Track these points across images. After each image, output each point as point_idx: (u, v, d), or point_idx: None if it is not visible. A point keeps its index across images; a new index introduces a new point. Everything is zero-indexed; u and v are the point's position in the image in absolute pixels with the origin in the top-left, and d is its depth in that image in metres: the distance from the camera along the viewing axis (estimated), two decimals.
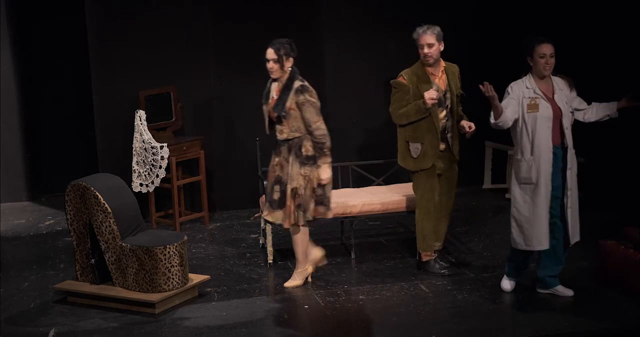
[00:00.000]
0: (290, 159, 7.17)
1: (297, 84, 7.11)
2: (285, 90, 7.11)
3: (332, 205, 7.66)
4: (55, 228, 9.38)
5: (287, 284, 7.44)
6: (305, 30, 9.63)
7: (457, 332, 6.53)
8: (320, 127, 7.12)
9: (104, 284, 7.27)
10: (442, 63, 7.53)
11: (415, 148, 7.52)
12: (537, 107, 6.66)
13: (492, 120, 6.71)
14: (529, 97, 6.69)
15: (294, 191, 7.17)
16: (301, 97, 7.07)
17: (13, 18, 10.17)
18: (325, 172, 7.19)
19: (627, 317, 6.69)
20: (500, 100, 6.71)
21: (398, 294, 7.26)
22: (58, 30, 10.36)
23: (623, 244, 7.15)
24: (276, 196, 7.23)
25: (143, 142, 8.66)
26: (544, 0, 9.64)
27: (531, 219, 6.75)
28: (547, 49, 6.65)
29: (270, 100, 7.21)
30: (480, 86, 6.52)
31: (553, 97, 6.73)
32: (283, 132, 7.17)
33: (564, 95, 6.77)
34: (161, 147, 8.63)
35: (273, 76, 7.15)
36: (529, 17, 9.71)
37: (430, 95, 7.25)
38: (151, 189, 8.79)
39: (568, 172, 6.77)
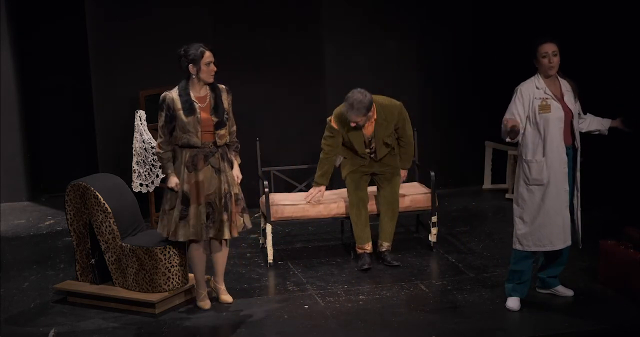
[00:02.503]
0: (225, 166, 6.88)
1: (220, 85, 6.89)
2: (217, 93, 6.85)
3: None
4: (55, 228, 9.38)
5: (229, 300, 7.17)
6: (305, 31, 9.63)
7: (457, 332, 6.53)
8: None
9: (104, 284, 7.27)
10: (374, 113, 7.83)
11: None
12: (549, 108, 6.56)
13: (508, 139, 6.60)
14: (540, 98, 6.58)
15: (236, 197, 6.94)
16: (230, 97, 6.93)
17: (13, 18, 10.17)
18: (239, 171, 7.03)
19: (627, 317, 6.69)
20: (508, 100, 6.68)
21: (398, 294, 7.26)
22: (58, 30, 10.35)
23: (623, 244, 7.15)
24: (224, 216, 6.82)
25: (143, 142, 8.66)
26: (544, 2, 9.65)
27: (542, 220, 6.64)
28: (548, 47, 6.58)
29: (197, 109, 6.76)
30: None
31: (562, 98, 6.69)
32: (224, 137, 6.87)
33: (571, 96, 6.73)
34: None
35: (212, 80, 6.81)
36: (531, 17, 9.71)
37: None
38: (151, 189, 8.79)
39: (577, 174, 6.75)
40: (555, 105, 6.60)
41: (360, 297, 7.23)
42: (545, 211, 6.64)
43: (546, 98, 6.59)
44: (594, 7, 9.14)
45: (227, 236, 6.88)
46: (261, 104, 9.55)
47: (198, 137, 6.78)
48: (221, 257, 7.10)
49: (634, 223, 7.37)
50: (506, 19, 9.88)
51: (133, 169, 8.81)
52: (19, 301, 7.34)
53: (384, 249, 7.94)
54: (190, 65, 6.79)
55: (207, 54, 6.78)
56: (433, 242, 8.25)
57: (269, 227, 7.99)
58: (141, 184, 8.80)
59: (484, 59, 10.02)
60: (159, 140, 6.86)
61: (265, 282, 7.64)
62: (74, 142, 10.57)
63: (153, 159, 8.66)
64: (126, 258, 7.11)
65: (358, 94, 7.63)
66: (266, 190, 8.02)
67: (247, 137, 8.99)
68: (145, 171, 8.74)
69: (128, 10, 9.22)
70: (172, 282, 7.07)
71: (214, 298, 7.20)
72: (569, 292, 7.08)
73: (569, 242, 6.76)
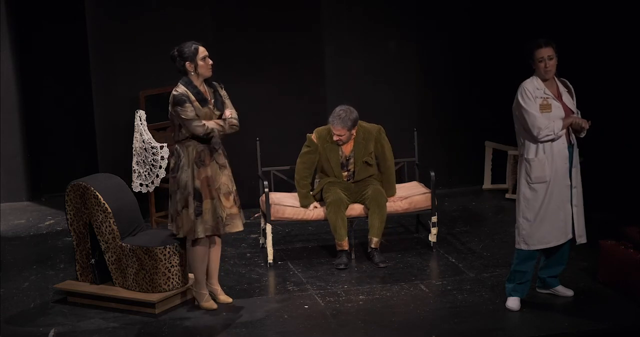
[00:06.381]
0: (225, 162, 6.96)
1: (213, 81, 6.96)
2: (214, 87, 6.94)
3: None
4: (55, 228, 9.38)
5: (229, 300, 7.18)
6: (305, 31, 9.63)
7: (457, 332, 6.53)
8: None
9: (104, 284, 7.27)
10: (354, 132, 8.03)
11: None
12: (550, 107, 6.60)
13: (559, 132, 6.59)
14: (541, 97, 6.62)
15: (236, 192, 7.05)
16: (225, 92, 7.01)
17: (13, 18, 10.17)
18: None
19: (627, 317, 6.69)
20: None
21: (398, 294, 7.26)
22: (58, 30, 10.35)
23: (623, 244, 7.16)
24: (234, 210, 6.96)
25: (143, 142, 8.65)
26: (543, 2, 9.65)
27: (546, 216, 6.65)
28: (544, 52, 6.61)
29: (208, 102, 6.87)
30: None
31: (561, 97, 6.71)
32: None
33: (568, 96, 6.76)
34: (161, 147, 8.61)
35: (211, 73, 6.87)
36: (531, 16, 9.72)
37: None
38: (151, 189, 8.77)
39: (573, 170, 6.76)
40: (556, 105, 6.64)
41: (360, 297, 7.23)
42: (547, 207, 6.66)
43: (547, 98, 6.63)
44: (593, 5, 9.13)
45: (240, 228, 6.99)
46: (261, 104, 9.54)
47: (210, 131, 6.83)
48: (216, 255, 7.12)
49: (634, 223, 7.38)
50: (506, 18, 9.88)
51: (133, 169, 8.81)
52: (19, 301, 7.34)
53: (373, 245, 7.94)
54: (187, 63, 6.82)
55: (201, 49, 6.86)
56: (433, 242, 8.25)
57: (269, 227, 7.99)
58: (141, 184, 8.79)
59: (483, 59, 10.02)
60: (200, 123, 6.74)
61: (265, 282, 7.64)
62: (74, 143, 10.57)
63: (153, 159, 8.65)
64: (126, 258, 7.11)
65: (346, 108, 7.94)
66: (266, 190, 8.02)
67: (247, 137, 9.03)
68: (145, 171, 8.73)
69: (128, 11, 9.22)
70: (172, 282, 7.07)
71: (213, 299, 7.19)
72: (569, 292, 7.08)
73: (570, 236, 6.77)
